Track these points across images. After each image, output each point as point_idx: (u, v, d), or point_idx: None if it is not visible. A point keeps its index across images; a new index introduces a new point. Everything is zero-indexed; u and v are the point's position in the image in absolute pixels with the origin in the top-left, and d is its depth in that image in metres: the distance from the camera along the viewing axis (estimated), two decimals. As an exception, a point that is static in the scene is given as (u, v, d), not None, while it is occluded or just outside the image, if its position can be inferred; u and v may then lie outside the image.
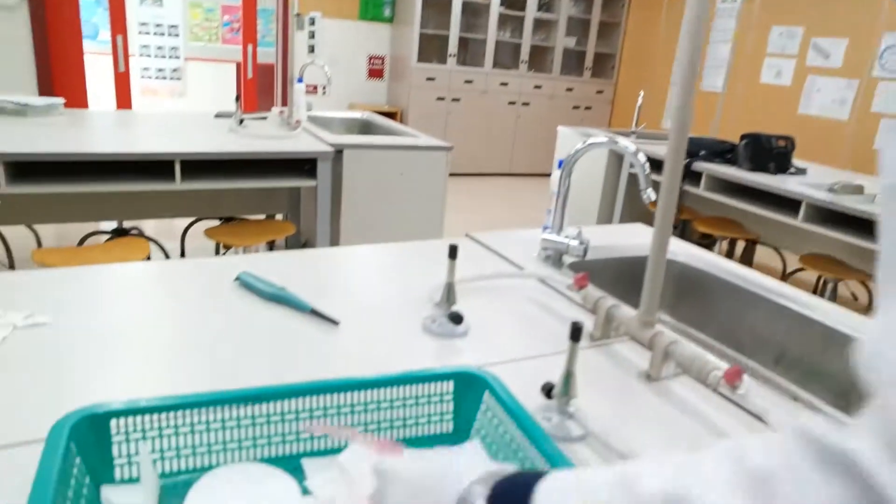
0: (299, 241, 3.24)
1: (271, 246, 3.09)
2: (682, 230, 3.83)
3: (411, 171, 2.81)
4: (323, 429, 0.66)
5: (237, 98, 2.97)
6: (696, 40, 0.86)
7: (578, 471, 0.46)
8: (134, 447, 0.62)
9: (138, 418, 0.62)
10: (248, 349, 0.91)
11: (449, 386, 0.72)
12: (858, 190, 2.74)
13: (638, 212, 3.84)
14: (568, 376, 0.74)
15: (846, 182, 2.79)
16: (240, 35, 6.53)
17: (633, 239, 1.60)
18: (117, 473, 0.62)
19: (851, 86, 4.89)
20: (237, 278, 1.13)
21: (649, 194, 1.26)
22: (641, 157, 1.26)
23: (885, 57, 4.65)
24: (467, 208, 5.55)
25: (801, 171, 3.31)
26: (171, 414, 0.63)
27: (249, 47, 6.57)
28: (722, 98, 4.43)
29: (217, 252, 3.19)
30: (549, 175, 5.82)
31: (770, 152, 3.20)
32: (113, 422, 0.61)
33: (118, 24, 5.02)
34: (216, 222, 3.13)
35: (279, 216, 3.49)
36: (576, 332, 0.72)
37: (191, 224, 3.61)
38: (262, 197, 3.25)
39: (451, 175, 6.46)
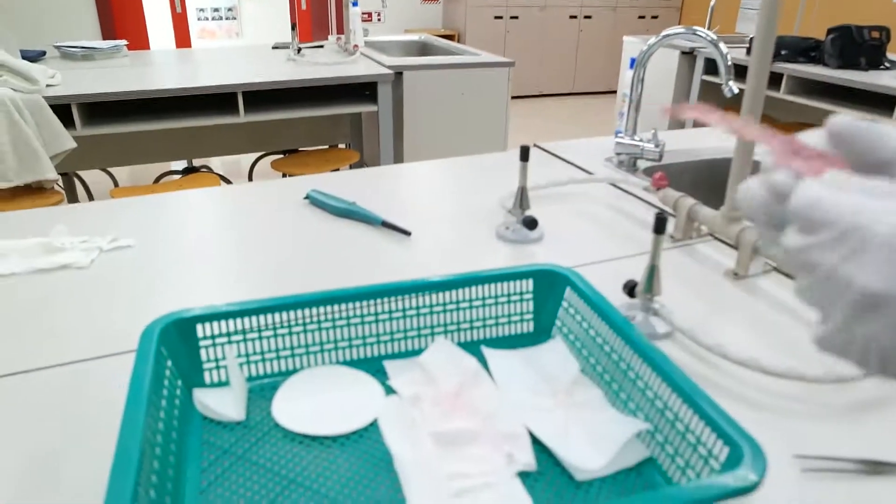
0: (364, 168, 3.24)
1: (337, 175, 3.11)
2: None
3: (472, 90, 2.74)
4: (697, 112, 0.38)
5: (293, 27, 2.93)
6: None
7: None
8: (221, 351, 0.63)
9: (222, 323, 0.63)
10: (322, 262, 0.92)
11: (528, 284, 0.70)
12: (963, 80, 2.50)
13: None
14: (652, 271, 0.71)
15: (948, 72, 2.54)
16: (292, -34, 6.42)
17: (710, 142, 1.51)
18: (206, 378, 0.64)
19: (954, -33, 4.40)
20: (307, 196, 1.13)
21: (731, 87, 1.18)
22: (723, 47, 1.16)
23: None
24: (531, 129, 5.42)
25: (896, 65, 3.04)
26: (254, 318, 0.63)
27: (303, -23, 6.47)
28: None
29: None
30: (615, 92, 5.60)
31: (861, 45, 2.94)
32: (199, 326, 0.62)
33: (172, -38, 5.02)
34: (281, 157, 3.17)
35: (342, 145, 3.49)
36: (660, 224, 0.68)
37: (257, 160, 3.66)
38: (325, 126, 3.25)
39: (513, 98, 6.30)
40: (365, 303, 0.66)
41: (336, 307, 0.65)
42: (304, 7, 6.60)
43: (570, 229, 1.02)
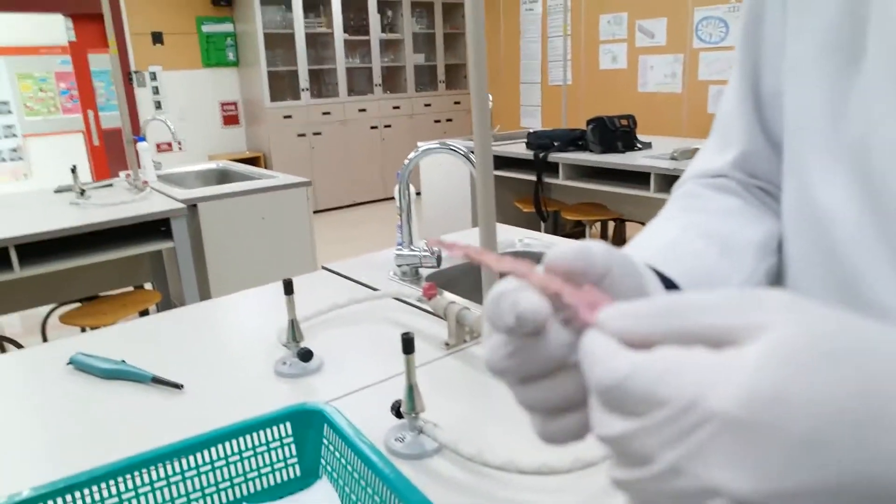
0: (171, 307, 3.07)
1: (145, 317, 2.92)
2: (554, 221, 3.97)
3: (273, 213, 2.74)
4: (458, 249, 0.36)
5: (73, 169, 2.79)
6: (480, 45, 0.88)
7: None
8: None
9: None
10: (89, 434, 0.84)
11: (287, 427, 0.68)
12: (695, 154, 2.94)
13: (512, 210, 3.95)
14: (410, 390, 0.73)
15: (684, 148, 2.99)
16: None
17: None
18: None
19: (678, 60, 5.27)
20: (71, 361, 1.04)
21: (487, 193, 1.29)
22: (473, 157, 1.28)
23: (700, 29, 5.06)
24: (346, 239, 5.51)
25: (647, 146, 3.52)
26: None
27: (90, 113, 6.23)
28: (565, 89, 4.64)
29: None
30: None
31: (615, 132, 3.38)
32: None
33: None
34: (77, 306, 2.92)
35: (148, 285, 3.30)
36: (407, 344, 0.71)
37: (49, 313, 3.34)
38: (124, 267, 3.06)
39: (326, 210, 6.41)
40: (112, 482, 0.61)
41: (82, 493, 0.59)
42: (96, 143, 6.33)
43: (350, 353, 1.03)
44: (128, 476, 0.61)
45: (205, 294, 2.64)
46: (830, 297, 0.46)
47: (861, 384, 0.21)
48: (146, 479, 0.62)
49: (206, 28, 6.20)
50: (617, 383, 0.25)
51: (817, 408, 0.21)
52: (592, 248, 0.33)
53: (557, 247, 0.32)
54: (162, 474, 0.63)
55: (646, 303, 0.27)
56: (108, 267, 2.99)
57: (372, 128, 6.70)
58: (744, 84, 0.57)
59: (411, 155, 1.35)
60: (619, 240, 4.04)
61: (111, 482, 0.60)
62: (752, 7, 0.55)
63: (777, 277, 0.54)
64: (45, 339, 3.28)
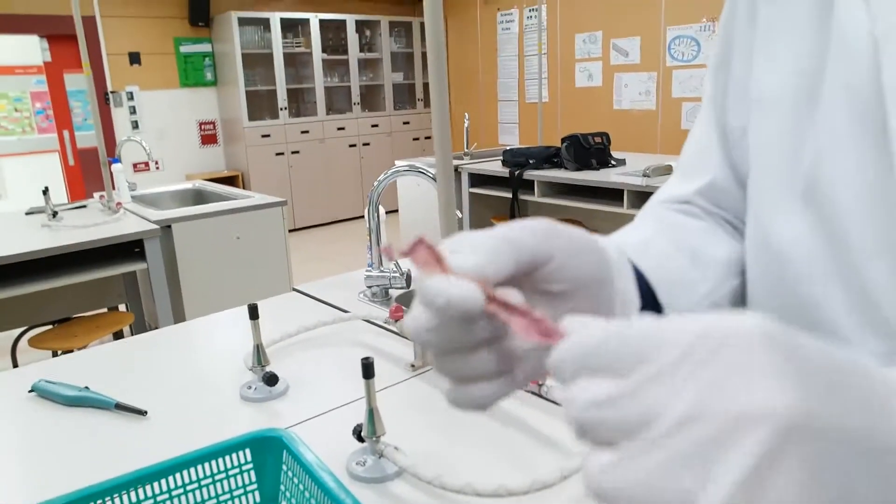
0: (146, 328, 3.04)
1: (119, 339, 2.88)
2: (531, 237, 3.99)
3: (248, 233, 2.74)
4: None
5: (45, 191, 2.76)
6: (441, 63, 0.90)
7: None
8: None
9: None
10: (50, 464, 0.83)
11: (247, 454, 0.68)
12: (668, 170, 2.99)
13: (489, 227, 3.96)
14: (371, 414, 0.73)
15: (657, 165, 3.03)
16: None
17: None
18: None
19: (652, 78, 5.36)
20: (33, 388, 1.03)
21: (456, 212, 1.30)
22: (439, 180, 1.29)
23: (673, 48, 5.15)
24: (323, 257, 5.50)
25: (622, 162, 3.57)
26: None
27: (66, 133, 6.18)
28: (540, 107, 4.70)
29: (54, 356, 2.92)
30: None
31: (590, 150, 3.42)
32: None
33: None
34: (48, 329, 2.88)
35: (123, 306, 3.27)
36: (367, 369, 0.71)
37: (21, 334, 3.29)
38: (97, 289, 3.03)
39: (304, 228, 6.39)
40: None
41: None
42: (71, 163, 6.27)
43: (317, 376, 1.03)
44: (82, 507, 0.61)
45: (179, 315, 2.62)
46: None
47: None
48: (101, 510, 0.62)
49: (183, 48, 6.20)
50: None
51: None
52: (520, 243, 0.33)
53: (477, 255, 0.32)
54: (118, 504, 0.63)
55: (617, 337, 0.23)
56: (81, 288, 2.96)
57: (350, 146, 6.72)
58: (711, 117, 0.58)
59: (381, 177, 1.36)
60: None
61: (64, 514, 0.60)
62: (723, 42, 0.56)
63: (740, 300, 0.55)
64: (14, 363, 3.23)
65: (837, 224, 0.42)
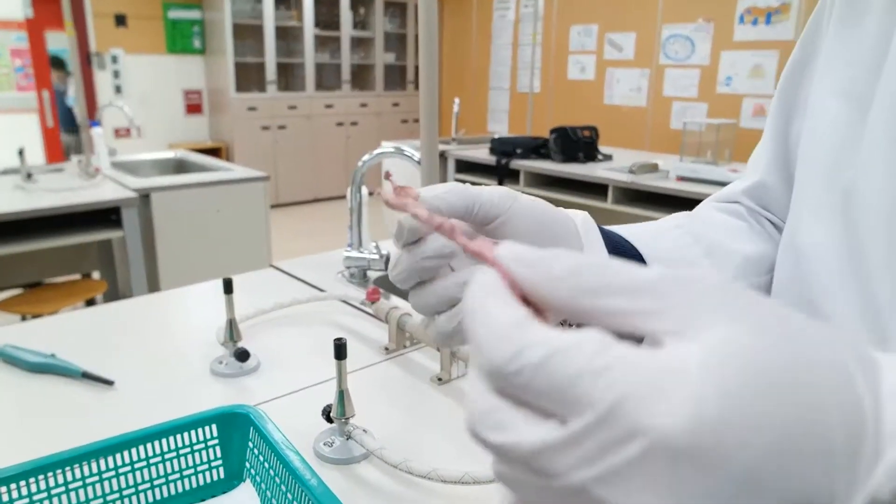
0: (119, 297, 3.00)
1: (91, 307, 2.84)
2: (514, 226, 4.00)
3: (229, 206, 2.70)
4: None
5: (20, 152, 2.70)
6: (432, 48, 0.88)
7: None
8: None
9: None
10: (15, 429, 0.82)
11: (213, 430, 0.68)
12: (654, 168, 3.00)
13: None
14: (341, 395, 0.73)
15: (644, 162, 3.04)
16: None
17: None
18: None
19: (644, 74, 5.37)
20: (-2, 352, 1.01)
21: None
22: (424, 165, 1.28)
23: (667, 46, 5.16)
24: (304, 235, 5.46)
25: (608, 157, 3.57)
26: None
27: (45, 93, 6.04)
28: (531, 97, 4.68)
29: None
30: (386, 190, 5.86)
31: (577, 143, 3.42)
32: None
33: None
34: (19, 293, 2.83)
35: (96, 273, 3.22)
36: (339, 350, 0.71)
37: (-10, 296, 3.23)
38: (70, 255, 2.98)
39: (286, 204, 6.34)
40: (23, 482, 0.59)
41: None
42: (50, 125, 6.14)
43: (289, 354, 1.02)
44: (40, 477, 0.60)
45: (154, 286, 2.59)
46: None
47: (800, 409, 0.19)
48: (60, 480, 0.61)
49: (172, 14, 6.08)
50: (521, 368, 0.20)
51: (758, 438, 0.18)
52: (474, 192, 0.39)
53: (437, 188, 0.38)
54: (77, 475, 0.62)
55: (563, 257, 0.22)
56: (53, 253, 2.91)
57: (338, 124, 6.66)
58: (777, 121, 0.60)
59: (365, 157, 1.35)
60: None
61: (21, 483, 0.59)
62: (804, 44, 0.57)
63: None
64: (-16, 325, 3.17)
65: (861, 234, 0.43)
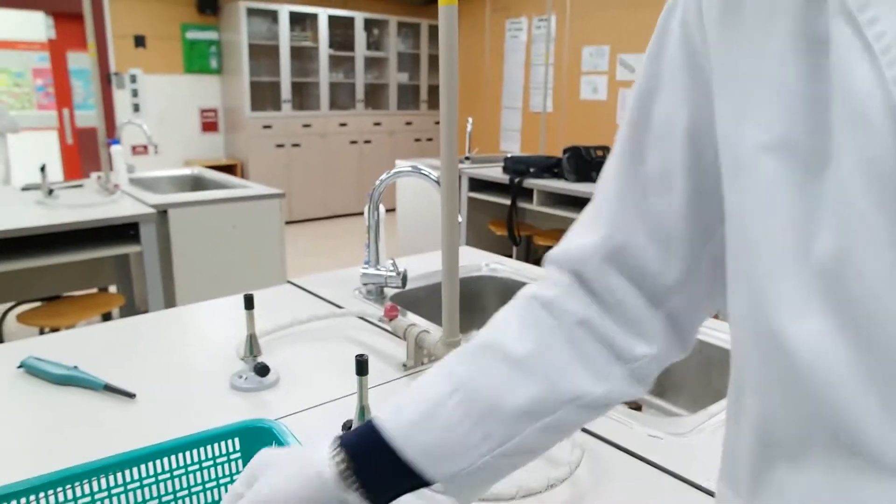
0: (135, 311, 3.03)
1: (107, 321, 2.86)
2: (527, 246, 4.00)
3: (245, 223, 2.73)
4: None
5: (42, 168, 2.75)
6: (452, 67, 0.90)
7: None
8: None
9: None
10: (39, 440, 0.83)
11: (235, 443, 0.68)
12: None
13: (486, 233, 3.98)
14: (362, 412, 0.73)
15: (656, 182, 3.04)
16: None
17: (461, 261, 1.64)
18: None
19: (656, 95, 5.38)
20: (22, 364, 1.03)
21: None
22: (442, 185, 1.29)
23: (679, 66, 5.18)
24: (318, 251, 5.49)
25: (621, 177, 3.57)
26: None
27: (65, 112, 6.15)
28: (544, 117, 4.71)
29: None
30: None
31: (590, 162, 3.43)
32: None
33: None
34: (37, 306, 2.86)
35: (113, 288, 3.25)
36: (361, 366, 0.71)
37: (9, 309, 3.27)
38: (88, 269, 3.01)
39: (300, 221, 6.39)
40: (50, 492, 0.60)
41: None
42: (70, 142, 6.24)
43: (308, 370, 1.03)
44: (67, 487, 0.61)
45: (170, 301, 2.61)
46: (805, 433, 0.41)
47: None
48: (87, 490, 0.62)
49: (190, 35, 6.19)
50: None
51: None
52: None
53: None
54: (104, 485, 0.62)
55: None
56: (72, 267, 2.94)
57: (352, 142, 6.72)
58: (622, 159, 0.54)
59: (382, 176, 1.36)
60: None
61: (49, 492, 0.60)
62: (649, 76, 0.51)
63: (559, 433, 0.53)
64: (0, 339, 3.21)
65: (869, 325, 0.36)
